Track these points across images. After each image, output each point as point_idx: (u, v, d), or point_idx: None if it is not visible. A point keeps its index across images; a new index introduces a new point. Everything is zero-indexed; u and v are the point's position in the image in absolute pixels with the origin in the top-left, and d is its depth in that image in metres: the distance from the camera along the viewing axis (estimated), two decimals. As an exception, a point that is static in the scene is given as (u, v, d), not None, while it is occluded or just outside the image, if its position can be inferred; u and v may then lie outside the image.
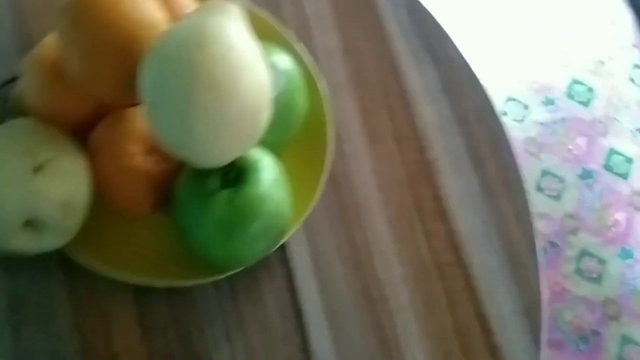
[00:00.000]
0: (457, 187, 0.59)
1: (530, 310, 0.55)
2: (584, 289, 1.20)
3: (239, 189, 0.47)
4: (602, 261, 1.23)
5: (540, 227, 1.24)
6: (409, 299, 0.54)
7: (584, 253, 1.23)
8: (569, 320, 1.17)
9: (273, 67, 0.51)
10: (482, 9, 1.44)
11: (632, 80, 1.41)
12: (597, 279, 1.21)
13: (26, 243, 0.48)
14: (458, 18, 1.41)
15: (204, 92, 0.41)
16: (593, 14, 1.46)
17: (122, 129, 0.51)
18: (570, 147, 1.32)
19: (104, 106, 0.52)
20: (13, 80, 0.57)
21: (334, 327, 0.53)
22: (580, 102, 1.37)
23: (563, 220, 1.25)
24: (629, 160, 1.33)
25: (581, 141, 1.33)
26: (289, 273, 0.54)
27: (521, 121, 1.33)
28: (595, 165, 1.31)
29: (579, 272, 1.21)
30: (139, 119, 0.51)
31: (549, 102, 1.36)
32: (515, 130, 1.32)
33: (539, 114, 1.35)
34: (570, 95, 1.37)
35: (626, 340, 1.17)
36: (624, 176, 1.31)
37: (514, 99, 1.35)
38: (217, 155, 0.45)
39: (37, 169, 0.47)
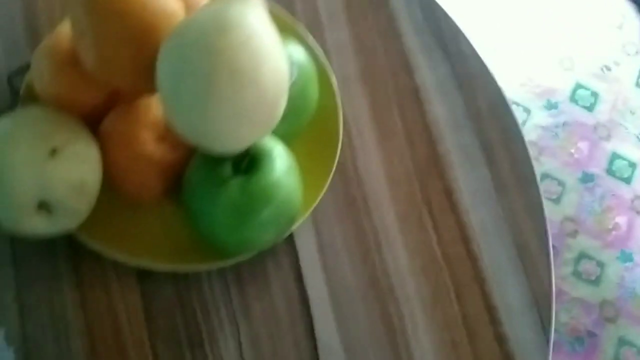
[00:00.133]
0: (469, 180, 0.59)
1: (540, 303, 0.55)
2: (581, 290, 1.21)
3: (252, 176, 0.47)
4: (600, 264, 1.23)
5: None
6: (417, 289, 0.55)
7: (583, 255, 1.23)
8: (565, 321, 1.18)
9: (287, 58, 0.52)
10: (486, 13, 1.44)
11: (638, 85, 1.41)
12: (595, 282, 1.22)
13: (39, 225, 0.49)
14: (460, 22, 1.42)
15: (225, 78, 0.42)
16: (600, 19, 1.46)
17: (134, 117, 0.51)
18: (571, 151, 1.33)
19: (116, 95, 0.53)
20: (23, 69, 0.57)
21: (340, 315, 0.54)
22: (584, 107, 1.37)
23: (562, 223, 1.26)
24: (633, 165, 1.34)
25: (583, 145, 1.34)
26: (296, 262, 0.55)
27: (522, 125, 1.34)
28: (597, 169, 1.32)
29: (577, 274, 1.22)
30: (151, 108, 0.52)
31: (551, 106, 1.36)
32: (518, 132, 1.33)
33: (541, 117, 1.35)
34: (573, 100, 1.37)
35: (623, 342, 1.18)
36: (627, 180, 1.32)
37: (516, 103, 1.36)
38: (234, 142, 0.45)
39: (52, 153, 0.47)
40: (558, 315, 1.18)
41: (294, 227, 0.53)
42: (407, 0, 0.65)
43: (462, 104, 0.62)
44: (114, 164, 0.51)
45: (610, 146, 1.34)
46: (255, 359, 0.52)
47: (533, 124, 1.34)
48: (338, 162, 0.57)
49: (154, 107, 0.52)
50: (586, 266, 1.23)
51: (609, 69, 1.42)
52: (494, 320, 0.54)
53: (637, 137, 1.36)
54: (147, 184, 0.52)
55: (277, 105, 0.45)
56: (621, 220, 1.27)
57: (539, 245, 0.57)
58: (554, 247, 1.23)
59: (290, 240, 0.55)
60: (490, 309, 0.55)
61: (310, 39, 0.59)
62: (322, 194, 0.54)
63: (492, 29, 1.42)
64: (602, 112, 1.37)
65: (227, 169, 0.48)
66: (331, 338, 0.53)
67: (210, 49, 0.42)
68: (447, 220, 0.57)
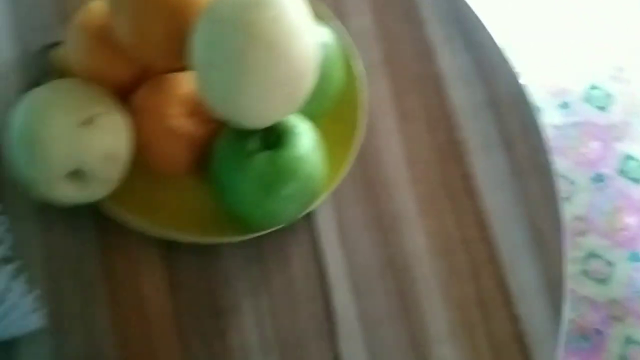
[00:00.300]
0: (486, 167, 0.60)
1: (554, 285, 0.56)
2: (588, 289, 1.21)
3: (279, 150, 0.49)
4: (609, 263, 1.24)
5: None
6: (433, 269, 0.56)
7: (591, 255, 1.24)
8: (571, 319, 1.19)
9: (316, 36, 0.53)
10: (500, 13, 1.45)
11: (651, 86, 1.42)
12: (604, 281, 1.22)
13: (69, 192, 0.50)
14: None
15: (260, 52, 0.43)
16: (615, 20, 1.47)
17: (164, 91, 0.52)
18: (583, 150, 1.34)
19: (147, 70, 0.54)
20: (55, 45, 0.59)
21: (357, 290, 0.55)
22: (598, 107, 1.38)
23: (572, 222, 1.27)
24: (645, 166, 1.34)
25: (595, 145, 1.34)
26: (315, 239, 0.56)
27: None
28: (608, 169, 1.32)
29: (585, 273, 1.22)
30: (182, 83, 0.53)
31: (564, 105, 1.37)
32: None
33: (554, 117, 1.36)
34: (587, 100, 1.38)
35: (630, 341, 1.18)
36: (638, 181, 1.33)
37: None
38: (264, 116, 0.47)
39: (86, 123, 0.49)
40: (565, 312, 1.19)
41: (315, 205, 0.54)
42: (430, -11, 0.67)
43: (481, 92, 0.63)
44: (143, 136, 0.52)
45: (623, 147, 1.35)
46: (274, 331, 0.53)
47: (546, 123, 1.35)
48: (360, 144, 0.58)
49: (185, 82, 0.53)
50: (595, 265, 1.23)
51: (622, 70, 1.43)
52: (507, 301, 0.55)
53: (650, 138, 1.37)
54: (175, 157, 0.53)
55: (306, 80, 0.46)
56: (631, 220, 1.28)
57: (554, 230, 0.58)
58: (563, 245, 1.24)
59: (310, 217, 0.57)
60: (505, 290, 0.56)
61: (337, 23, 0.61)
62: (343, 174, 0.56)
63: (508, 28, 1.43)
64: (616, 112, 1.38)
65: (255, 143, 0.49)
66: (348, 313, 0.54)
67: (246, 22, 0.43)
68: (465, 204, 0.58)
